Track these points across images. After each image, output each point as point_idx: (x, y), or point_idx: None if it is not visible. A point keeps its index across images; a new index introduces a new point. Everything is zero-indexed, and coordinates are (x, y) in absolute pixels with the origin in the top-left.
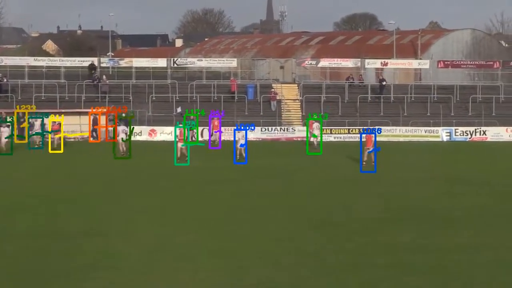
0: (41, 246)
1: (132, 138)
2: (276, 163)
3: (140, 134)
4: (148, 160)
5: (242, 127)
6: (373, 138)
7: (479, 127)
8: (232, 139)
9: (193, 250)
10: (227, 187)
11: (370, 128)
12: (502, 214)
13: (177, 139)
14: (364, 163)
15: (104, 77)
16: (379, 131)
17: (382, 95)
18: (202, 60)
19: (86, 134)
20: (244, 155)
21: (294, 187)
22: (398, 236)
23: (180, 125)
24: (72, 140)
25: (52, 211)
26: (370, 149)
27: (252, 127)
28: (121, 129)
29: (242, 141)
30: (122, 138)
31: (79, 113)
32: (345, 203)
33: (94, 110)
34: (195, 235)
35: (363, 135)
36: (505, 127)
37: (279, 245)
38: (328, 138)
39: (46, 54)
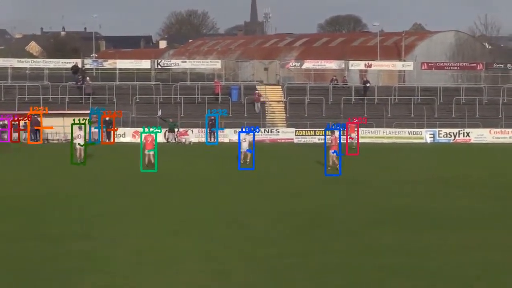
0: (26, 249)
1: (116, 140)
2: (266, 165)
3: (124, 135)
4: (128, 162)
5: (247, 130)
6: (338, 140)
7: (462, 129)
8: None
9: (178, 253)
10: (210, 189)
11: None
12: (486, 215)
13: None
14: (329, 168)
15: (88, 78)
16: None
17: (366, 97)
18: (186, 61)
19: None
20: (248, 160)
21: (279, 189)
22: (383, 237)
23: (147, 130)
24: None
25: (35, 213)
26: (334, 151)
27: (257, 130)
28: (78, 134)
29: (247, 146)
30: (79, 143)
31: (63, 115)
32: (329, 205)
33: (33, 111)
34: (180, 237)
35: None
36: (489, 129)
37: (264, 247)
38: (312, 139)
39: (30, 55)
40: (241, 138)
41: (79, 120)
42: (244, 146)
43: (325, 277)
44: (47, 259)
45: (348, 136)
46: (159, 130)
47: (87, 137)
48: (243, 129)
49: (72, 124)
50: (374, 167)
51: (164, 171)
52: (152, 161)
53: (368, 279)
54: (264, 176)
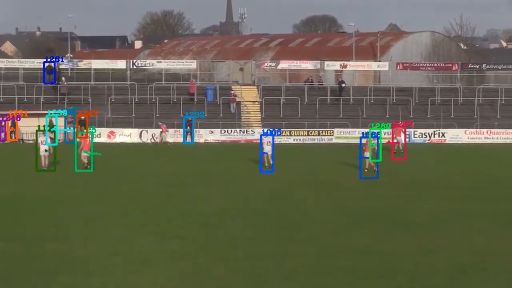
0: None
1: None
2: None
3: (99, 136)
4: (104, 164)
5: (269, 132)
6: (373, 144)
7: (437, 129)
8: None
9: (153, 254)
10: (184, 192)
11: (368, 132)
12: (460, 217)
13: (81, 146)
14: (366, 170)
15: (63, 78)
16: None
17: (341, 97)
18: (161, 62)
19: None
20: (271, 163)
21: (258, 191)
22: (357, 239)
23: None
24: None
25: (6, 215)
26: (367, 155)
27: (279, 132)
28: (42, 140)
29: (267, 149)
30: (45, 150)
31: (38, 115)
32: (305, 207)
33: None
34: (155, 238)
35: (363, 139)
36: (464, 129)
37: (239, 248)
38: (288, 140)
39: (5, 55)
40: (263, 141)
41: (44, 126)
42: (267, 149)
43: (300, 278)
44: (21, 260)
45: (394, 140)
46: (93, 130)
47: (62, 138)
48: (265, 131)
49: (36, 130)
50: (350, 169)
51: (141, 172)
52: (84, 161)
53: (343, 280)
54: (237, 178)
